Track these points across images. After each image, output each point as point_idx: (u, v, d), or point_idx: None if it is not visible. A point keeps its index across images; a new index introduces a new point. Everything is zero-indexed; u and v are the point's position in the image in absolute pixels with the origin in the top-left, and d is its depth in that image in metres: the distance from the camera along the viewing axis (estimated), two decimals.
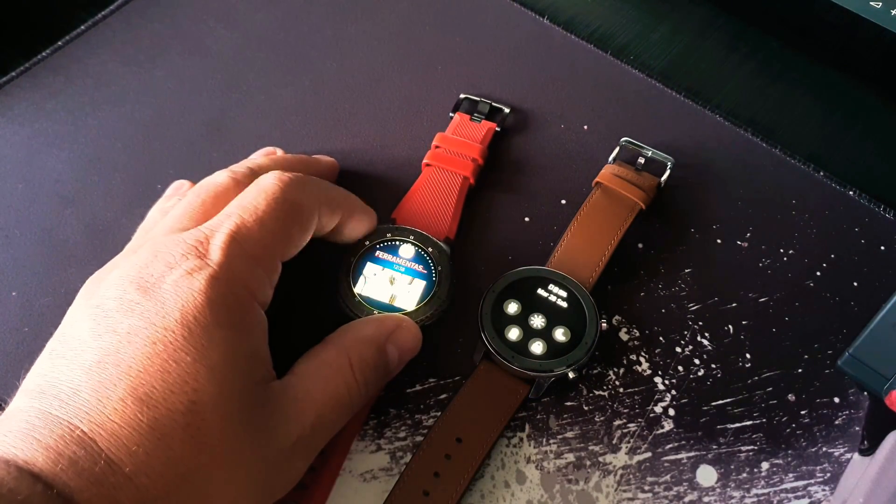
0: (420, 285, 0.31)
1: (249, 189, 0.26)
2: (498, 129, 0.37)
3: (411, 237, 0.32)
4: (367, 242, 0.32)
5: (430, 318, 0.31)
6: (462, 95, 0.39)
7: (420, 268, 0.32)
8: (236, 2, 0.43)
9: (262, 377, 0.24)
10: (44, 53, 0.40)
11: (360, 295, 0.31)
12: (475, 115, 0.37)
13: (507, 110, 0.38)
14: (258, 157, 0.32)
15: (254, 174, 0.28)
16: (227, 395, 0.22)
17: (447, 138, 0.36)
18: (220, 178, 0.28)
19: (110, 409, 0.20)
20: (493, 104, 0.38)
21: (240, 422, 0.22)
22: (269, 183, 0.26)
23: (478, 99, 0.38)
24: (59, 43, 0.41)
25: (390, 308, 0.30)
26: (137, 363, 0.21)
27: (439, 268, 0.32)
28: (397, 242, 0.32)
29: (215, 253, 0.24)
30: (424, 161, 0.36)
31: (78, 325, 0.23)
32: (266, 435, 0.23)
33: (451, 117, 0.38)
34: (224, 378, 0.22)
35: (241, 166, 0.29)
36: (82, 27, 0.41)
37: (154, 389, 0.21)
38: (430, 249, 0.32)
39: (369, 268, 0.31)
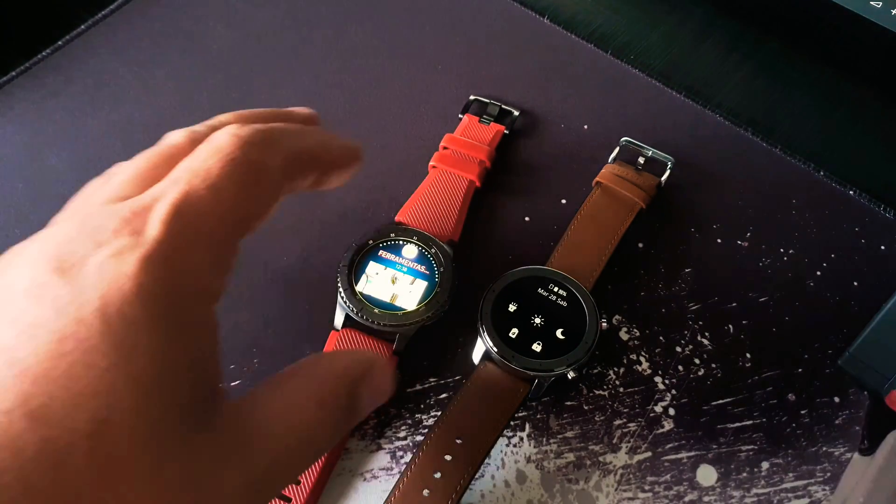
0: (422, 286, 0.31)
1: (200, 148, 0.21)
2: (507, 131, 0.37)
3: (415, 238, 0.32)
4: (371, 242, 0.32)
5: (431, 319, 0.31)
6: (472, 97, 0.39)
7: (422, 268, 0.32)
8: (236, 1, 0.43)
9: (205, 394, 0.19)
10: (44, 53, 0.40)
11: (361, 293, 0.31)
12: (484, 116, 0.37)
13: (516, 113, 0.38)
14: (223, 115, 0.26)
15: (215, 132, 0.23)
16: (152, 414, 0.17)
17: (455, 139, 0.36)
18: (177, 137, 0.23)
19: None
20: (503, 106, 0.38)
21: (166, 451, 0.17)
22: (224, 140, 0.21)
23: (487, 101, 0.38)
24: (59, 43, 0.41)
25: (392, 307, 0.31)
26: (36, 365, 0.16)
27: (441, 269, 0.32)
28: (401, 242, 0.32)
29: (154, 228, 0.19)
30: (431, 163, 0.36)
31: None
32: (205, 471, 0.18)
33: (460, 118, 0.38)
34: (150, 391, 0.17)
35: (201, 125, 0.24)
36: (82, 27, 0.41)
37: (52, 401, 0.16)
38: (433, 250, 0.32)
39: (372, 267, 0.32)
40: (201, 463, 0.18)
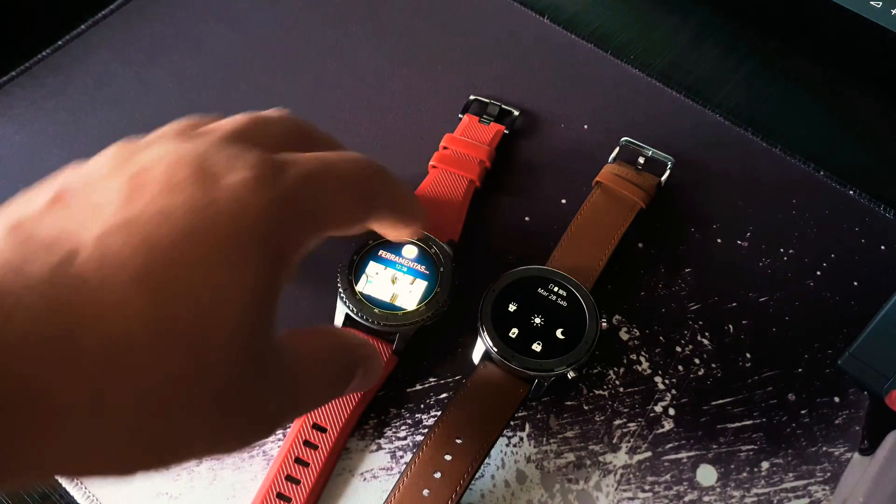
0: (422, 286, 0.31)
1: (346, 155, 0.24)
2: (507, 131, 0.37)
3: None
4: (371, 241, 0.32)
5: (431, 319, 0.31)
6: (472, 97, 0.39)
7: (422, 268, 0.32)
8: (236, 2, 0.43)
9: (272, 328, 0.21)
10: (44, 53, 0.40)
11: (361, 293, 0.31)
12: (484, 116, 0.37)
13: (516, 113, 0.38)
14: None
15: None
16: (246, 324, 0.18)
17: (455, 139, 0.36)
18: (275, 113, 0.25)
19: (110, 289, 0.16)
20: (503, 106, 0.38)
21: (246, 359, 0.19)
22: (360, 157, 0.24)
23: (487, 101, 0.38)
24: (59, 43, 0.41)
25: (392, 307, 0.31)
26: (165, 247, 0.17)
27: (441, 269, 0.32)
28: (401, 242, 0.32)
29: (292, 181, 0.20)
30: (431, 163, 0.36)
31: (102, 180, 0.19)
32: (260, 386, 0.20)
33: (460, 118, 0.38)
34: (249, 304, 0.18)
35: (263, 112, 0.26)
36: (82, 27, 0.41)
37: (171, 286, 0.17)
38: (433, 250, 0.32)
39: (372, 266, 0.32)
40: (262, 377, 0.19)
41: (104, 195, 0.18)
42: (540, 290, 0.31)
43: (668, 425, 0.31)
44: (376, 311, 0.30)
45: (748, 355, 0.33)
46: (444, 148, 0.36)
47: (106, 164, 0.20)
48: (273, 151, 0.22)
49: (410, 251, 0.32)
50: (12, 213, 0.18)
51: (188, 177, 0.19)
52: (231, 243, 0.18)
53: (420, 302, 0.31)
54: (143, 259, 0.17)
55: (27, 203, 0.19)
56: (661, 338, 0.33)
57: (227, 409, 0.19)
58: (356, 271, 0.31)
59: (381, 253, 0.32)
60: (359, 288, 0.31)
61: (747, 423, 0.31)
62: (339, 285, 0.31)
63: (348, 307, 0.30)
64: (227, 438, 0.19)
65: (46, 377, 0.15)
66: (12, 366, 0.14)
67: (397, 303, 0.31)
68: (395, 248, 0.32)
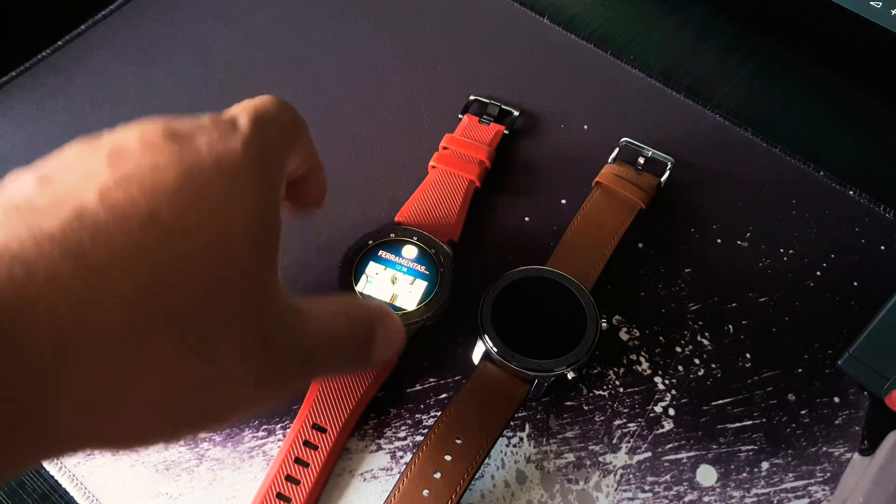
0: (421, 286, 0.31)
1: (269, 98, 0.24)
2: (507, 131, 0.37)
3: (414, 238, 0.32)
4: (371, 242, 0.32)
5: (431, 319, 0.31)
6: (472, 97, 0.39)
7: (422, 268, 0.32)
8: (236, 2, 0.43)
9: (277, 267, 0.21)
10: (44, 53, 0.40)
11: (361, 293, 0.31)
12: (484, 117, 0.37)
13: (516, 113, 0.38)
14: None
15: None
16: (254, 251, 0.19)
17: (455, 139, 0.36)
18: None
19: (126, 235, 0.17)
20: (503, 107, 0.38)
21: (261, 290, 0.19)
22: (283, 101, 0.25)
23: (487, 101, 0.38)
24: (59, 43, 0.41)
25: (391, 307, 0.31)
26: (167, 190, 0.18)
27: (441, 269, 0.32)
28: (401, 243, 0.32)
29: (245, 126, 0.21)
30: (431, 163, 0.36)
31: (78, 159, 0.19)
32: (278, 323, 0.20)
33: (460, 118, 0.38)
34: (252, 232, 0.19)
35: None
36: (82, 27, 0.41)
37: (179, 217, 0.18)
38: (432, 251, 0.32)
39: (371, 267, 0.32)
40: (276, 312, 0.20)
41: (89, 166, 0.19)
42: (540, 290, 0.31)
43: (668, 425, 0.31)
44: None
45: (748, 355, 0.33)
46: (444, 148, 0.36)
47: (75, 150, 0.20)
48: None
49: (410, 251, 0.32)
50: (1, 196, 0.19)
51: (163, 140, 0.20)
52: (220, 179, 0.19)
53: (420, 302, 0.31)
54: (147, 204, 0.18)
55: (11, 187, 0.19)
56: (661, 338, 0.33)
57: (243, 349, 0.19)
58: (356, 271, 0.31)
59: (381, 253, 0.32)
60: (359, 288, 0.31)
61: (747, 423, 0.31)
62: (339, 285, 0.31)
63: None
64: (238, 391, 0.19)
65: (81, 326, 0.16)
66: (41, 325, 0.15)
67: (397, 303, 0.31)
68: (395, 248, 0.32)
